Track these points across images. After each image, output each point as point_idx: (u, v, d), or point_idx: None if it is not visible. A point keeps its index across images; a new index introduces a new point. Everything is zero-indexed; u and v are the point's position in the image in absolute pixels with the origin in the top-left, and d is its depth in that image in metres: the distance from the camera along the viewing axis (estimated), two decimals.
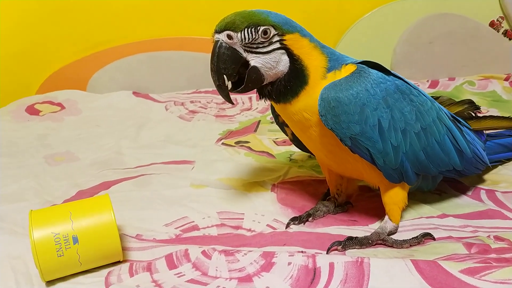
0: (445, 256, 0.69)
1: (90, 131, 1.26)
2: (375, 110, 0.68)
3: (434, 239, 0.74)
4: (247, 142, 1.16)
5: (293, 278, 0.63)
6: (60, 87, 1.52)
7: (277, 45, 0.68)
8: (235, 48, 0.67)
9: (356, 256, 0.65)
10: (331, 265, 0.64)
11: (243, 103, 1.44)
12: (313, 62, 0.69)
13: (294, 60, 0.68)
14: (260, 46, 0.67)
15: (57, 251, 0.63)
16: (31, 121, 1.31)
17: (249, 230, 0.80)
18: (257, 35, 0.66)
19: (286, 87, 0.69)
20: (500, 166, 0.95)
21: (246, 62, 0.68)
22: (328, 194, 0.87)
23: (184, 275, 0.65)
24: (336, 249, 0.72)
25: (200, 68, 1.62)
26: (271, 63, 0.68)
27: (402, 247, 0.73)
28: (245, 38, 0.66)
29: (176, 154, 1.11)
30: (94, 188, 0.94)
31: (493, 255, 0.68)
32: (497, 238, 0.74)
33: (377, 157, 0.69)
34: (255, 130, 1.24)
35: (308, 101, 0.69)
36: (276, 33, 0.67)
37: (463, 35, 1.63)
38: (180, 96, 1.52)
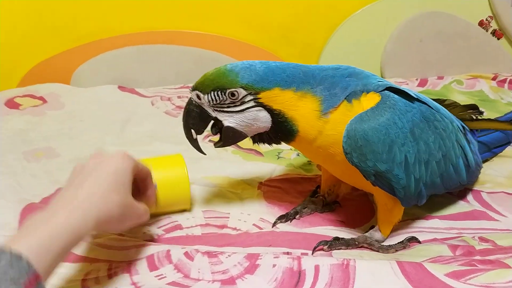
0: (430, 259, 0.68)
1: (73, 126, 1.22)
2: (402, 146, 0.66)
3: (419, 242, 0.74)
4: None
5: (277, 280, 0.62)
6: (42, 80, 1.47)
7: (251, 103, 0.66)
8: (203, 108, 0.67)
9: (342, 259, 0.64)
10: (317, 268, 0.63)
11: None
12: (301, 111, 0.66)
13: (275, 115, 0.66)
14: (231, 106, 0.66)
15: None
16: (11, 115, 1.27)
17: (235, 229, 0.78)
18: (224, 97, 0.66)
19: (276, 137, 0.69)
20: (484, 166, 0.96)
21: (219, 120, 0.68)
22: (316, 191, 0.86)
23: (165, 277, 0.63)
24: (322, 249, 0.71)
25: (188, 63, 1.60)
26: (246, 121, 0.67)
27: (388, 252, 0.72)
28: (212, 100, 0.66)
29: (161, 151, 1.08)
30: None
31: (477, 257, 0.68)
32: (482, 239, 0.74)
33: (398, 191, 0.68)
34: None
35: (311, 144, 0.68)
36: (247, 93, 0.65)
37: (453, 34, 1.64)
38: (167, 91, 1.49)
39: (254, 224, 0.79)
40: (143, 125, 1.24)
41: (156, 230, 0.77)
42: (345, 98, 0.67)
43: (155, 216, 0.78)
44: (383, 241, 0.74)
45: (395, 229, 0.77)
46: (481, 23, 1.65)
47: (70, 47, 1.53)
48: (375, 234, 0.74)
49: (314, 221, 0.80)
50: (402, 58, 1.64)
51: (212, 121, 0.70)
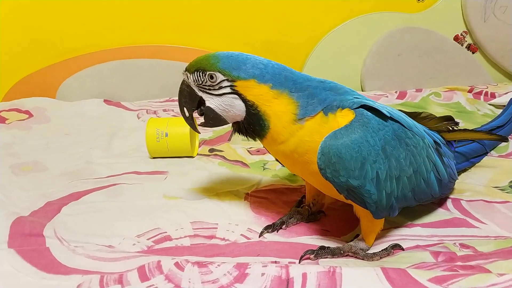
0: (414, 265, 0.70)
1: (59, 140, 1.23)
2: (374, 163, 0.68)
3: (403, 249, 0.76)
4: (221, 151, 1.17)
5: None
6: (27, 94, 1.48)
7: (228, 89, 0.70)
8: (191, 87, 0.73)
9: (329, 266, 0.66)
10: (304, 276, 0.64)
11: None
12: (274, 108, 0.69)
13: (249, 106, 0.70)
14: (212, 88, 0.71)
15: (156, 139, 1.08)
16: None
17: (223, 239, 0.79)
18: (204, 78, 0.71)
19: (249, 129, 0.73)
20: (463, 175, 0.99)
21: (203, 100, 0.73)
22: (301, 201, 0.88)
23: (156, 287, 0.64)
24: (309, 258, 0.73)
25: (173, 77, 1.59)
26: (223, 105, 0.72)
27: (372, 260, 0.74)
28: (195, 80, 0.72)
29: (148, 164, 1.10)
30: (63, 198, 0.92)
31: (459, 263, 0.71)
32: (463, 245, 0.77)
33: (370, 205, 0.71)
34: (229, 139, 1.24)
35: (285, 146, 0.72)
36: (224, 78, 0.70)
37: (430, 48, 1.70)
38: (152, 104, 1.50)
39: (242, 235, 0.81)
40: (130, 139, 1.25)
41: (145, 241, 0.78)
42: (322, 110, 0.70)
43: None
44: (367, 250, 0.77)
45: (379, 237, 0.79)
46: (456, 38, 1.71)
47: (55, 61, 1.54)
48: (360, 243, 0.76)
49: (300, 230, 0.82)
50: (381, 71, 1.69)
51: (198, 101, 0.74)
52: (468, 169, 1.02)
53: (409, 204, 0.79)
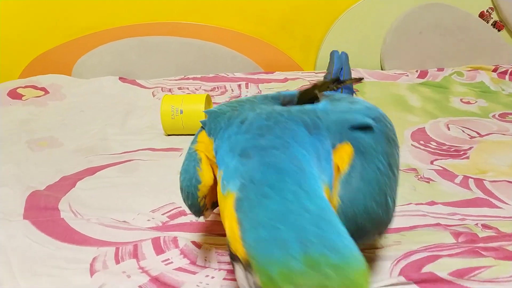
0: (432, 245, 0.68)
1: (75, 117, 1.22)
2: (391, 191, 0.54)
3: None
4: None
5: None
6: (43, 71, 1.48)
7: None
8: None
9: None
10: None
11: (232, 90, 1.42)
12: None
13: None
14: None
15: (171, 116, 1.07)
16: (13, 105, 1.27)
17: None
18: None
19: None
20: (487, 155, 0.95)
21: None
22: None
23: (171, 262, 0.64)
24: None
25: (189, 55, 1.60)
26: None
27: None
28: None
29: (163, 141, 1.09)
30: (78, 173, 0.92)
31: (480, 244, 0.68)
32: (485, 226, 0.74)
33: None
34: None
35: None
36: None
37: (453, 26, 1.64)
38: (167, 82, 1.49)
39: None
40: (145, 116, 1.24)
41: (160, 217, 0.78)
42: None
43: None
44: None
45: (399, 211, 0.76)
46: (481, 15, 1.65)
47: (71, 38, 1.53)
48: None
49: None
50: (401, 50, 1.65)
51: None
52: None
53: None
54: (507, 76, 1.47)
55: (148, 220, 0.77)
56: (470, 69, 1.54)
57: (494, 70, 1.51)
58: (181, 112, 1.07)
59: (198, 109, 1.07)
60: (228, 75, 1.53)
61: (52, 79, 1.43)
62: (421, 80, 1.48)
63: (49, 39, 1.52)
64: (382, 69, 1.64)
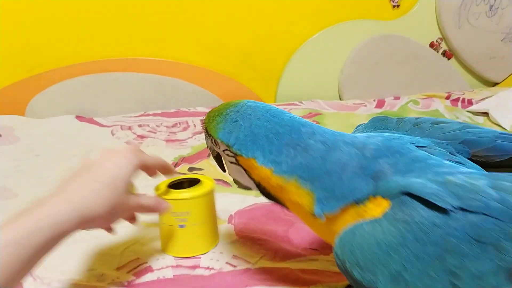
0: None
1: (30, 161, 1.17)
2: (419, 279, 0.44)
3: None
4: (201, 169, 1.13)
5: None
6: None
7: (233, 160, 0.57)
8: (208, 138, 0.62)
9: None
10: None
11: (195, 126, 1.41)
12: (285, 196, 0.54)
13: (257, 185, 0.56)
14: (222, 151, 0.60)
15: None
16: None
17: (207, 268, 0.76)
18: (211, 140, 0.60)
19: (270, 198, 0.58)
20: None
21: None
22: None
23: None
24: None
25: (148, 90, 1.57)
26: (235, 172, 0.60)
27: None
28: (209, 136, 0.61)
29: None
30: None
31: None
32: None
33: None
34: (208, 156, 1.20)
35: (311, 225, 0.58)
36: (226, 148, 0.57)
37: (406, 55, 1.71)
38: (127, 119, 1.46)
39: (227, 263, 0.78)
40: None
41: (125, 275, 0.74)
42: (351, 202, 0.50)
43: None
44: None
45: None
46: (431, 45, 1.73)
47: (24, 77, 1.47)
48: None
49: (287, 253, 0.80)
50: (359, 80, 1.70)
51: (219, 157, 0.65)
52: None
53: None
54: (459, 103, 1.53)
55: (113, 280, 0.73)
56: (424, 97, 1.60)
57: (447, 97, 1.58)
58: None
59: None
60: (189, 109, 1.52)
61: (4, 120, 1.37)
62: (379, 110, 1.52)
63: (0, 78, 1.45)
64: (340, 99, 1.68)
